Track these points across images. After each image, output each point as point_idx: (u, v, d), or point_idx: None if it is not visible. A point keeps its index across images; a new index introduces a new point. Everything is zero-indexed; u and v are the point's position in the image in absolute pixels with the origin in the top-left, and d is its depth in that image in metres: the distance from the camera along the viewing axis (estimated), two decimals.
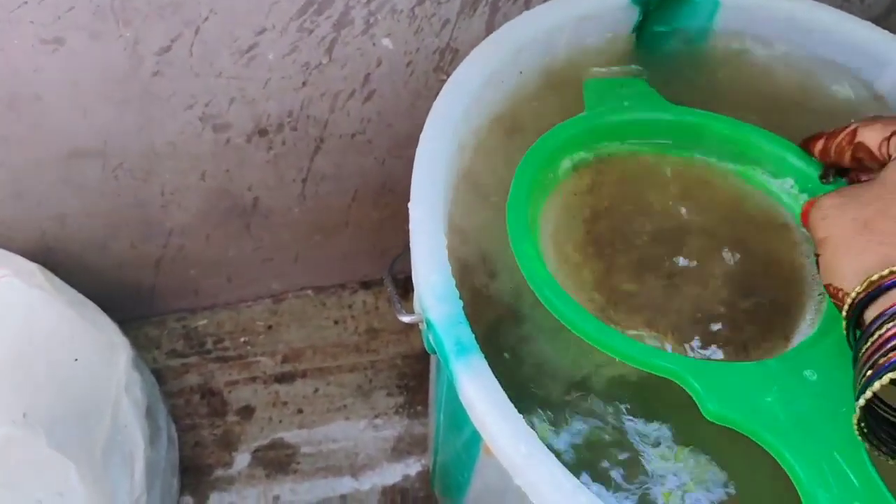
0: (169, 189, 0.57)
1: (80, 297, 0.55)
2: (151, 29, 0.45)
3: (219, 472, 0.62)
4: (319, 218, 0.64)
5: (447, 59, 0.53)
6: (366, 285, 0.72)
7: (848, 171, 0.40)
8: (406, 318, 0.36)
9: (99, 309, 0.56)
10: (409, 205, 0.37)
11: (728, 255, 0.40)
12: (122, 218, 0.58)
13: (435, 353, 0.34)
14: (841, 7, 0.56)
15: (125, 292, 0.65)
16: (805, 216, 0.37)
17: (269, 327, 0.70)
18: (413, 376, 0.68)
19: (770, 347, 0.37)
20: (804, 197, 0.41)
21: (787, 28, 0.48)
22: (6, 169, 0.52)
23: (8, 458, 0.42)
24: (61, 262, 0.59)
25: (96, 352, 0.51)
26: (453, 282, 0.34)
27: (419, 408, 0.66)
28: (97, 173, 0.54)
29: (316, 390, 0.67)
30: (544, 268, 0.36)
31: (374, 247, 0.69)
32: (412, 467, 0.63)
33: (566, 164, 0.42)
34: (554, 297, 0.35)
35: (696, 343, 0.37)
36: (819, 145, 0.40)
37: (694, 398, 0.33)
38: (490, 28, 0.52)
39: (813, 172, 0.41)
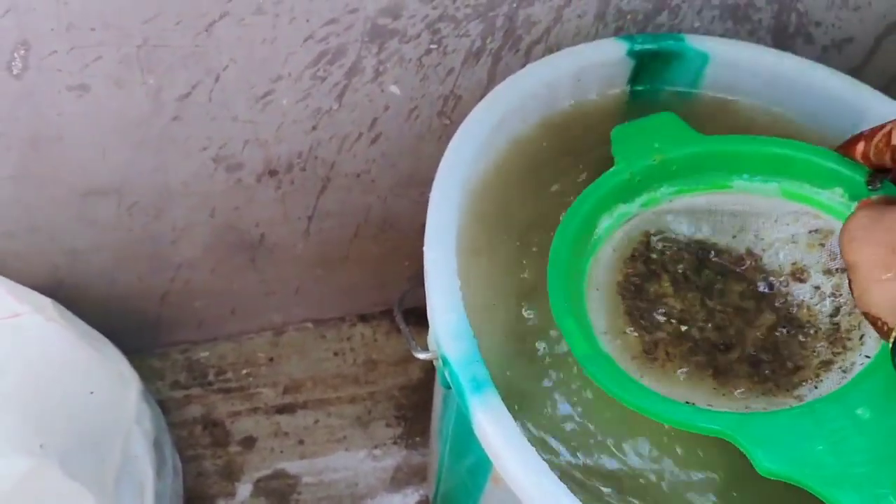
0: (179, 225, 0.59)
1: (92, 330, 0.56)
2: (174, 77, 0.48)
3: (221, 503, 0.64)
4: (322, 253, 0.66)
5: (450, 105, 0.56)
6: (364, 318, 0.74)
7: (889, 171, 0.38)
8: (421, 355, 0.38)
9: (108, 342, 0.57)
10: (425, 247, 0.39)
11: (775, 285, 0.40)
12: (132, 252, 0.60)
13: (450, 388, 0.37)
14: (819, 58, 0.60)
15: (131, 324, 0.66)
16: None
17: (271, 359, 0.71)
18: (410, 407, 0.69)
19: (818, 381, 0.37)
20: (855, 205, 0.39)
21: (770, 80, 0.51)
22: (24, 205, 0.53)
23: (26, 487, 0.43)
24: (71, 294, 0.60)
25: (109, 384, 0.53)
26: (467, 320, 0.36)
27: (417, 438, 0.68)
28: (111, 211, 0.56)
29: (316, 421, 0.68)
30: (587, 343, 0.36)
31: (373, 281, 0.71)
32: (410, 497, 0.65)
33: (605, 222, 0.42)
34: (599, 373, 0.35)
35: (739, 389, 0.37)
36: (859, 148, 0.38)
37: (748, 456, 0.32)
38: (492, 76, 0.55)
39: (860, 178, 0.39)
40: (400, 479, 0.66)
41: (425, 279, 0.38)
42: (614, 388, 0.35)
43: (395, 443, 0.68)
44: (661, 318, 0.40)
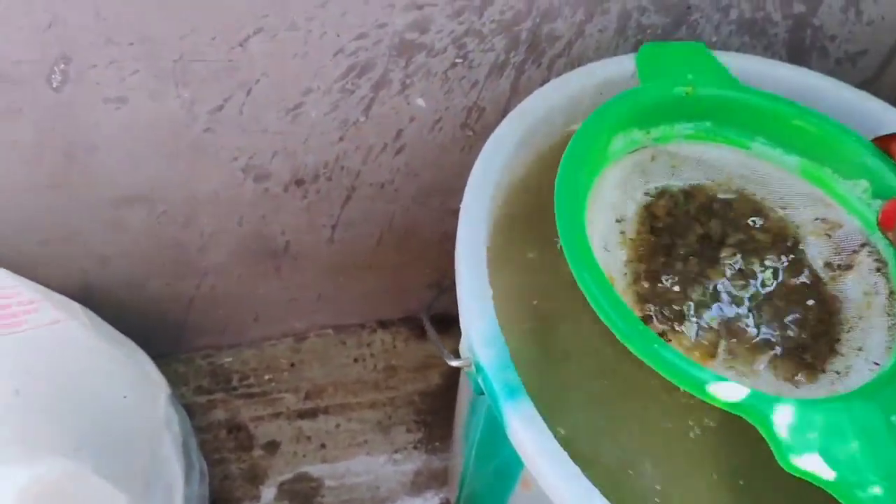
0: (207, 232, 0.60)
1: (121, 335, 0.58)
2: (207, 90, 0.49)
3: None
4: (344, 260, 0.67)
5: (474, 117, 0.57)
6: (383, 325, 0.75)
7: None
8: (455, 363, 0.39)
9: (137, 346, 0.58)
10: (456, 257, 0.40)
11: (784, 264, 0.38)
12: (160, 259, 0.61)
13: (483, 394, 0.38)
14: (833, 71, 0.62)
15: (157, 330, 0.67)
16: (889, 219, 0.34)
17: (293, 365, 0.72)
18: (430, 413, 0.71)
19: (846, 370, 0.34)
20: (877, 203, 0.37)
21: (785, 93, 0.52)
22: (58, 213, 0.55)
23: (63, 488, 0.44)
24: (100, 300, 0.62)
25: (140, 388, 0.54)
26: (499, 327, 0.37)
27: (437, 443, 0.69)
28: (141, 218, 0.57)
29: (338, 426, 0.69)
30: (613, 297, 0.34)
31: (393, 288, 0.72)
32: (431, 501, 0.66)
33: (618, 142, 0.40)
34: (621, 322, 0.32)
35: (762, 366, 0.35)
36: None
37: (770, 444, 0.30)
38: (515, 89, 0.56)
39: (891, 177, 0.37)
40: (420, 483, 0.67)
41: (457, 288, 0.39)
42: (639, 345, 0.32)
43: (415, 447, 0.69)
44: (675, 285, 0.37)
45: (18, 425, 0.42)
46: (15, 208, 0.53)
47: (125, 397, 0.52)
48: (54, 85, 0.46)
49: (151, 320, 0.66)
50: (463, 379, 0.54)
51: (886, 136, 0.38)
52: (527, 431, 0.34)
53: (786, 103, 0.41)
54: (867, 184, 0.39)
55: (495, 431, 0.42)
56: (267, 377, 0.71)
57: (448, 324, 0.71)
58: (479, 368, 0.37)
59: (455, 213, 0.60)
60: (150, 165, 0.53)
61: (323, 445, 0.68)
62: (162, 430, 0.55)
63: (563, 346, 0.43)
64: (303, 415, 0.70)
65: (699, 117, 0.41)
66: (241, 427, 0.69)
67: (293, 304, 0.71)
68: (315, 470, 0.67)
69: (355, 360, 0.73)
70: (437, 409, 0.71)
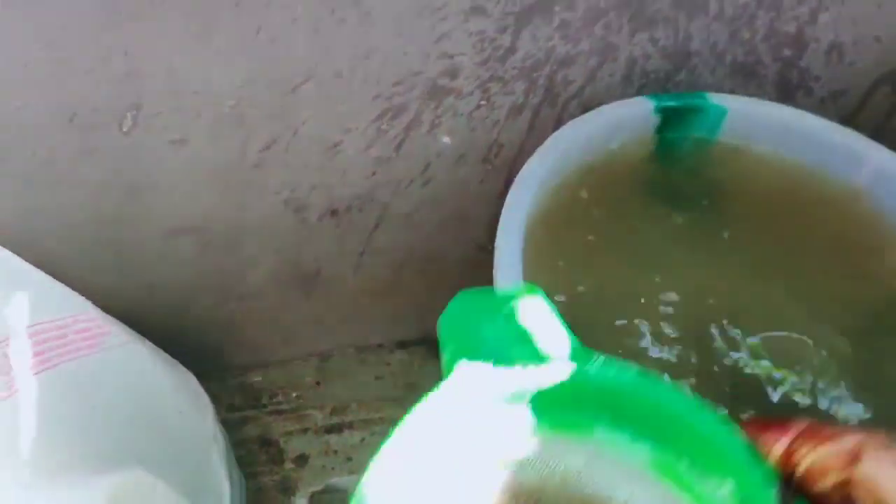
0: (246, 260, 0.65)
1: (170, 357, 0.62)
2: (259, 131, 0.54)
3: None
4: (369, 285, 0.72)
5: (493, 152, 0.63)
6: (402, 345, 0.80)
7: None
8: None
9: (183, 367, 0.63)
10: (497, 280, 0.45)
11: None
12: (203, 286, 0.66)
13: None
14: (817, 108, 0.68)
15: (195, 352, 0.71)
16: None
17: (318, 383, 0.77)
18: None
19: None
20: None
21: (780, 132, 0.58)
22: (114, 246, 0.59)
23: (141, 496, 0.48)
24: (146, 326, 0.66)
25: (192, 405, 0.58)
26: None
27: None
28: (190, 248, 0.62)
29: (363, 440, 0.74)
30: None
31: (413, 311, 0.77)
32: None
33: None
34: None
35: None
36: (778, 445, 0.26)
37: None
38: (531, 127, 0.62)
39: (759, 482, 0.26)
40: None
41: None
42: None
43: None
44: None
45: (99, 438, 0.46)
46: (76, 240, 0.58)
47: (181, 412, 0.56)
48: (124, 129, 0.51)
49: (190, 344, 0.71)
50: None
51: (757, 420, 0.29)
52: None
53: (633, 376, 0.29)
54: (733, 486, 0.27)
55: None
56: (294, 394, 0.76)
57: None
58: None
59: (473, 241, 0.66)
60: (203, 200, 0.58)
61: (349, 458, 0.73)
62: (211, 444, 0.60)
63: None
64: (329, 430, 0.74)
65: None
66: (272, 442, 0.73)
67: (319, 326, 0.75)
68: (342, 482, 0.71)
69: (376, 378, 0.78)
70: None
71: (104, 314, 0.54)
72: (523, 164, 0.64)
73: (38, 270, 0.44)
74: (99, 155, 0.52)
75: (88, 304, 0.51)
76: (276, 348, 0.76)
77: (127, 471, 0.47)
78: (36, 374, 0.41)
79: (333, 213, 0.63)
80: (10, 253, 0.41)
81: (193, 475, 0.56)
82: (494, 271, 0.46)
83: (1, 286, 0.39)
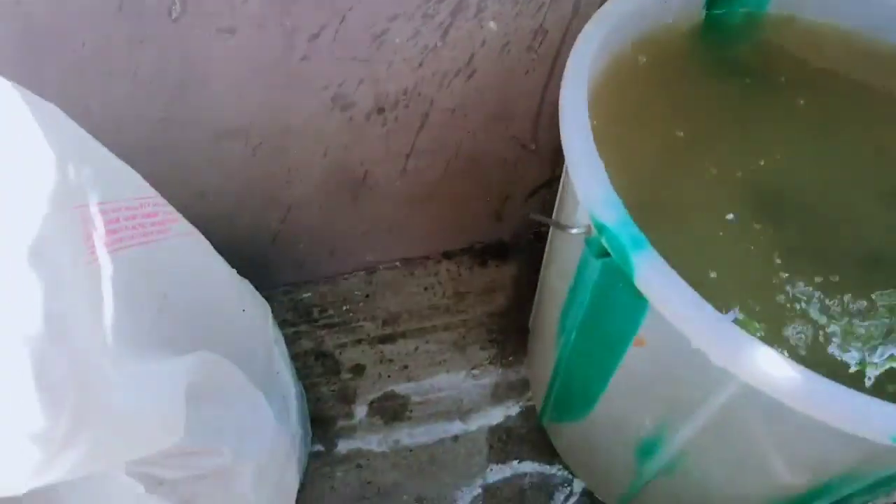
0: (294, 165, 0.64)
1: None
2: (307, 19, 0.53)
3: (342, 423, 0.69)
4: (414, 190, 0.72)
5: (538, 40, 0.62)
6: (447, 255, 0.80)
7: None
8: (573, 230, 0.44)
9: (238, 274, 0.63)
10: (563, 137, 0.44)
11: None
12: (250, 193, 0.65)
13: (607, 255, 0.42)
14: None
15: (242, 268, 0.71)
16: None
17: (367, 296, 0.77)
18: (500, 332, 0.75)
19: None
20: None
21: None
22: (166, 148, 0.59)
23: (216, 379, 0.48)
24: None
25: (253, 306, 0.58)
26: (615, 192, 0.42)
27: (510, 358, 0.74)
28: (239, 152, 0.61)
29: (416, 348, 0.74)
30: None
31: (455, 220, 0.77)
32: (512, 409, 0.71)
33: None
34: None
35: None
36: None
37: None
38: (576, 10, 0.60)
39: None
40: (500, 395, 0.71)
41: (570, 164, 0.43)
42: None
43: (490, 363, 0.73)
44: None
45: (172, 322, 0.46)
46: (126, 142, 0.57)
47: (244, 311, 0.56)
48: (173, 16, 0.50)
49: (239, 258, 0.70)
50: (552, 274, 0.58)
51: None
52: (658, 276, 0.39)
53: None
54: None
55: (607, 297, 0.46)
56: (344, 308, 0.76)
57: (504, 252, 0.76)
58: (602, 229, 0.41)
59: (516, 140, 0.66)
60: (251, 97, 0.57)
61: (405, 366, 0.73)
62: (272, 346, 0.60)
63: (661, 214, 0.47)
64: (383, 340, 0.74)
65: None
66: (327, 354, 0.73)
67: (366, 237, 0.75)
68: (401, 388, 0.71)
69: (425, 289, 0.78)
70: (507, 328, 0.75)
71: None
72: (566, 52, 0.63)
73: (109, 151, 0.43)
74: (148, 45, 0.51)
75: (155, 192, 0.50)
76: (322, 263, 0.76)
77: (201, 354, 0.46)
78: (109, 252, 0.40)
79: (380, 110, 0.62)
80: (84, 132, 0.40)
81: (262, 374, 0.56)
82: (561, 129, 0.45)
83: (75, 160, 0.38)
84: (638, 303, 0.42)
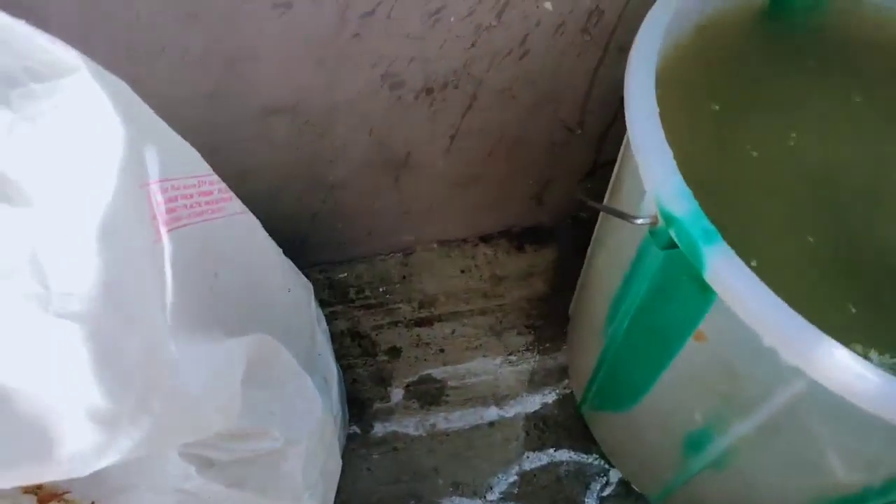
0: (339, 144, 0.63)
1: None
2: None
3: (378, 405, 0.69)
4: (456, 172, 0.71)
5: (593, 21, 0.60)
6: (484, 239, 0.79)
7: None
8: (639, 221, 0.43)
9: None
10: (629, 120, 0.43)
11: None
12: (294, 173, 0.64)
13: (674, 247, 0.41)
14: None
15: (283, 245, 0.71)
16: None
17: (403, 277, 0.76)
18: (538, 317, 0.74)
19: None
20: None
21: None
22: (211, 124, 0.58)
23: (268, 360, 0.48)
24: None
25: (297, 287, 0.57)
26: (685, 183, 0.41)
27: (548, 345, 0.73)
28: (284, 130, 0.60)
29: (453, 332, 0.73)
30: None
31: (495, 203, 0.76)
32: (549, 396, 0.70)
33: None
34: None
35: None
36: None
37: None
38: None
39: None
40: (537, 381, 0.71)
41: (638, 152, 0.42)
42: None
43: (527, 349, 0.73)
44: None
45: (225, 303, 0.45)
46: (172, 118, 0.56)
47: (289, 291, 0.55)
48: None
49: (279, 236, 0.69)
50: (601, 261, 0.57)
51: None
52: (730, 271, 0.38)
53: None
54: None
55: (668, 289, 0.45)
56: (381, 289, 0.75)
57: (542, 237, 0.75)
58: (672, 220, 0.40)
59: (562, 123, 0.64)
60: (299, 74, 0.56)
61: (441, 350, 0.72)
62: (315, 327, 0.59)
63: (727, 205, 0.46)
64: (419, 322, 0.73)
65: None
66: (363, 335, 0.72)
67: (405, 218, 0.74)
68: (437, 372, 0.71)
69: (462, 272, 0.77)
70: (545, 314, 0.74)
71: None
72: (621, 34, 0.61)
73: (167, 126, 0.42)
74: (201, 19, 0.50)
75: (210, 170, 0.49)
76: (361, 242, 0.75)
77: (257, 335, 0.46)
78: (169, 231, 0.40)
79: (429, 91, 0.61)
80: (147, 107, 0.40)
81: (305, 355, 0.56)
82: (627, 116, 0.44)
83: (141, 136, 0.37)
84: (703, 297, 0.42)
